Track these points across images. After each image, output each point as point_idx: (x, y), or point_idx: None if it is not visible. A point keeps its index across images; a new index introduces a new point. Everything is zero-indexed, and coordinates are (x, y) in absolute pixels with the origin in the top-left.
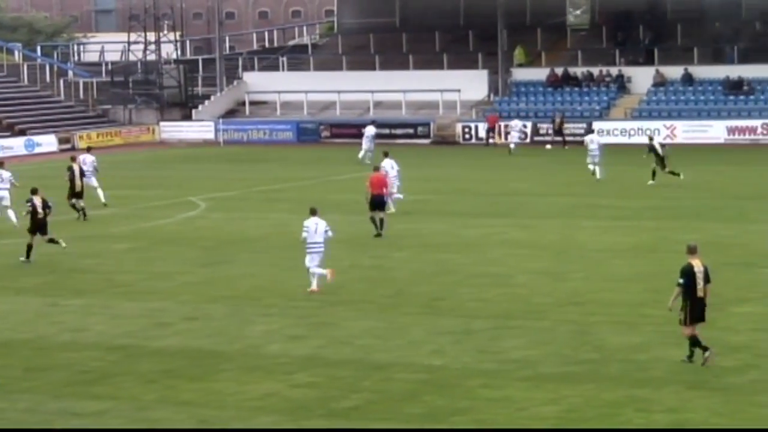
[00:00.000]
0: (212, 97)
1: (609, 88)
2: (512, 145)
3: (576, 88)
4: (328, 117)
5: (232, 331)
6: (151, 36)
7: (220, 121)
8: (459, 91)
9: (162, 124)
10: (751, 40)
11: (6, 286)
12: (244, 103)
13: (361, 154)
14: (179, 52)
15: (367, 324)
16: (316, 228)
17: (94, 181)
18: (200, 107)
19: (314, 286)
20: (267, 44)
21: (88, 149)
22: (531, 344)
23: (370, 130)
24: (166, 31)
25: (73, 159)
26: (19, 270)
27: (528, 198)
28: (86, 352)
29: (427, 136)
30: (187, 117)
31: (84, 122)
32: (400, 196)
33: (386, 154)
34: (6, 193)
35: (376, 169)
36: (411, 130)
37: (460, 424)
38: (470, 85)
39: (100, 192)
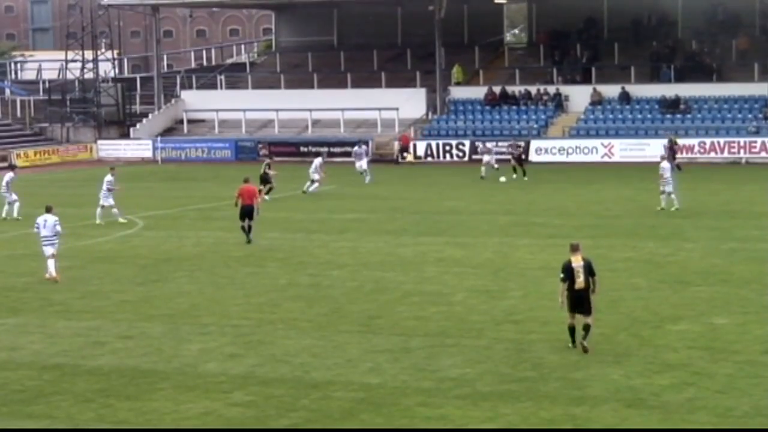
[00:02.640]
0: (150, 116)
1: (547, 107)
2: (491, 167)
3: (514, 107)
4: (267, 135)
5: (168, 349)
6: (89, 54)
7: (158, 139)
8: (397, 109)
9: (100, 142)
10: (687, 58)
11: None
12: (182, 122)
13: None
14: (117, 71)
15: (304, 342)
16: (44, 223)
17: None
18: (138, 125)
19: (51, 272)
20: (205, 62)
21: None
22: (468, 362)
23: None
24: (103, 50)
25: None
26: None
27: (464, 216)
28: (21, 371)
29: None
30: (125, 135)
31: (21, 140)
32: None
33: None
34: None
35: (246, 181)
36: (349, 148)
37: None
38: (408, 103)
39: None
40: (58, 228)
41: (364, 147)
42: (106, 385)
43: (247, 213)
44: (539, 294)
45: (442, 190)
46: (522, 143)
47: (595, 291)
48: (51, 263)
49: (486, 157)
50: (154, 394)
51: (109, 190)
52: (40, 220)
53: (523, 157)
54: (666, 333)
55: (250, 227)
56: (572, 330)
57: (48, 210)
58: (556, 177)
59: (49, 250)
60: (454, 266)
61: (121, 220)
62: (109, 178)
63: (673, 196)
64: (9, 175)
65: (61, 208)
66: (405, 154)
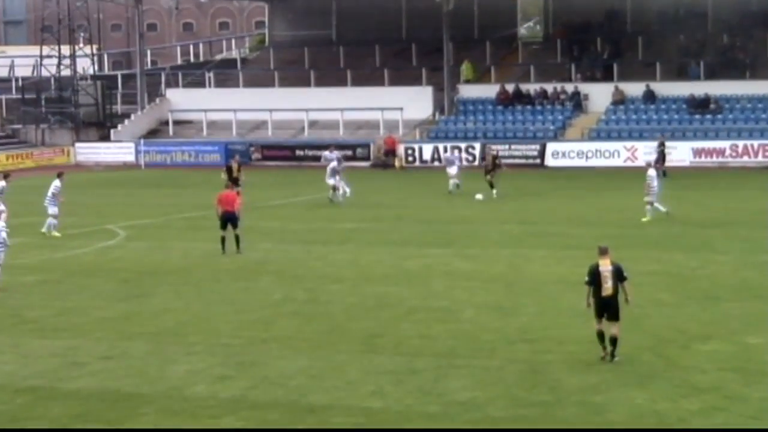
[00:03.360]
0: (132, 116)
1: (564, 107)
2: (454, 182)
3: (528, 107)
4: (260, 137)
5: (152, 371)
6: (66, 49)
7: (141, 142)
8: (401, 109)
9: (78, 145)
10: (718, 54)
11: None
12: (167, 123)
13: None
14: (96, 67)
15: (300, 363)
16: None
17: None
18: (119, 127)
19: None
20: (192, 58)
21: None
22: (479, 385)
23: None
24: (81, 44)
25: None
26: None
27: (474, 226)
28: None
29: (366, 158)
30: (105, 138)
31: None
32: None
33: None
34: None
35: (227, 186)
36: (349, 152)
37: None
38: (413, 103)
39: None
40: (4, 235)
41: (336, 153)
42: (84, 410)
43: (228, 220)
44: (555, 310)
45: (450, 198)
46: (495, 150)
47: (630, 300)
48: None
49: (450, 169)
50: (137, 419)
51: (54, 195)
52: None
53: (500, 165)
54: (694, 353)
55: (237, 237)
56: (601, 335)
57: None
58: (574, 183)
59: None
60: (463, 280)
61: (55, 233)
62: (56, 183)
63: (657, 205)
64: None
65: (35, 218)
66: (390, 159)
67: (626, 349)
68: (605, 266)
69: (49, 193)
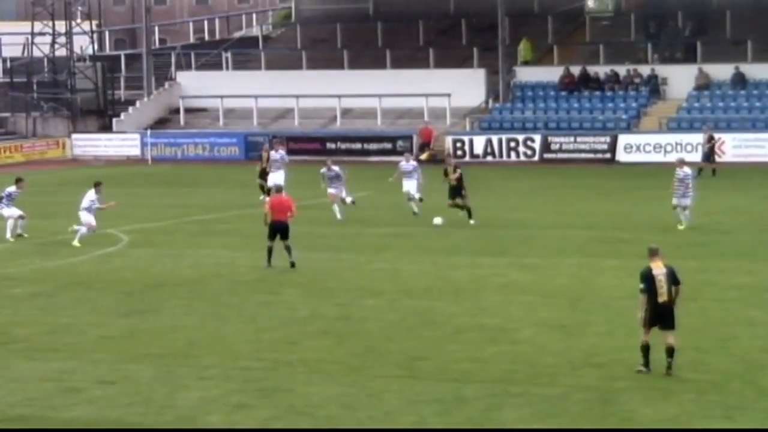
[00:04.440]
0: (137, 103)
1: (639, 92)
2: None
3: (597, 92)
4: (284, 128)
5: (159, 398)
6: (61, 26)
7: (148, 133)
8: (449, 95)
9: (74, 136)
10: None
11: None
12: (177, 111)
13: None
14: (96, 47)
15: (330, 390)
16: None
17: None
18: (122, 116)
19: None
20: (206, 36)
21: None
22: (537, 416)
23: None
24: (79, 20)
25: None
26: None
27: (534, 231)
28: None
29: (408, 152)
30: (106, 128)
31: None
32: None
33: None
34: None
35: (278, 190)
36: (388, 145)
37: None
38: (463, 88)
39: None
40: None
41: (335, 169)
42: None
43: (278, 230)
44: (628, 330)
45: (506, 198)
46: (453, 160)
47: (676, 302)
48: None
49: (330, 188)
50: None
51: (10, 198)
52: None
53: (461, 189)
54: None
55: (288, 249)
56: (647, 349)
57: None
58: (650, 181)
59: None
60: (520, 294)
61: (75, 243)
62: (91, 196)
63: (687, 212)
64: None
65: (26, 220)
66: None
67: (712, 376)
68: (659, 269)
69: (4, 195)
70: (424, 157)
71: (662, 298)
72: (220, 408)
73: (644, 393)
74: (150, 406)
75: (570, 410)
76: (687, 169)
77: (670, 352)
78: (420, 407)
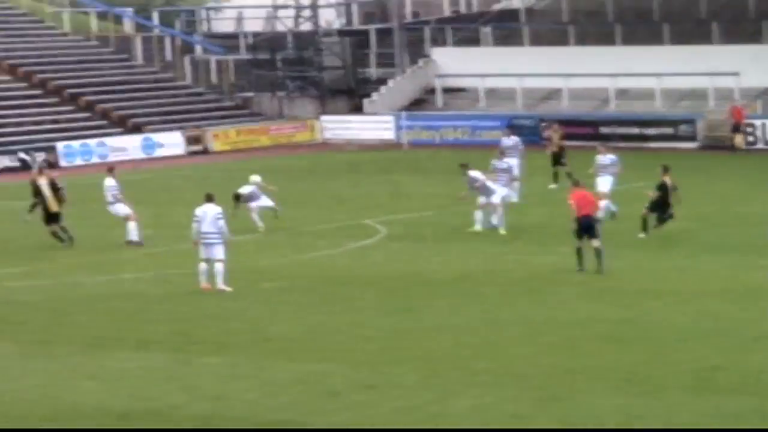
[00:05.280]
0: (390, 82)
1: None
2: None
3: None
4: (552, 110)
5: (427, 405)
6: None
7: (403, 115)
8: (737, 74)
9: (323, 118)
10: None
11: (126, 337)
12: (433, 91)
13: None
14: (344, 20)
15: (616, 400)
16: (204, 216)
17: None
18: (374, 96)
19: (219, 283)
20: (463, 9)
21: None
22: None
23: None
24: None
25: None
26: (140, 316)
27: None
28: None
29: (692, 138)
30: (357, 109)
31: (218, 115)
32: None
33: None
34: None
35: (576, 184)
36: (669, 130)
37: None
38: (753, 66)
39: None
40: (221, 223)
41: (610, 157)
42: None
43: (587, 228)
44: None
45: None
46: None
47: None
48: (219, 269)
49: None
50: None
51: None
52: (199, 211)
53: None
54: None
55: (598, 252)
56: None
57: (209, 199)
58: None
59: (210, 252)
60: None
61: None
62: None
63: None
64: (109, 181)
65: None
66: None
67: None
68: None
69: (110, 199)
70: (736, 141)
71: None
72: (495, 417)
73: None
74: (416, 414)
75: None
76: None
77: None
78: (717, 423)
